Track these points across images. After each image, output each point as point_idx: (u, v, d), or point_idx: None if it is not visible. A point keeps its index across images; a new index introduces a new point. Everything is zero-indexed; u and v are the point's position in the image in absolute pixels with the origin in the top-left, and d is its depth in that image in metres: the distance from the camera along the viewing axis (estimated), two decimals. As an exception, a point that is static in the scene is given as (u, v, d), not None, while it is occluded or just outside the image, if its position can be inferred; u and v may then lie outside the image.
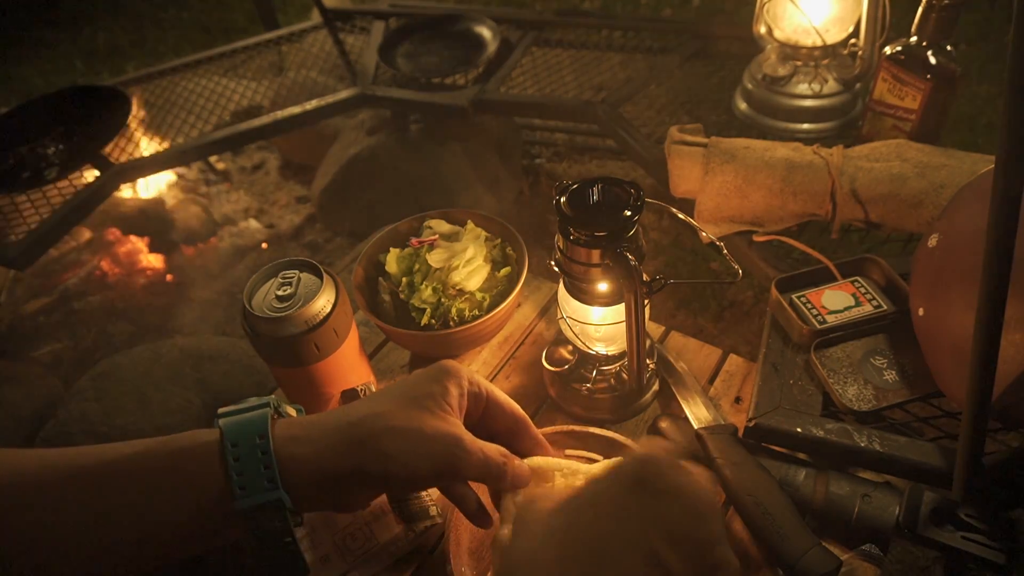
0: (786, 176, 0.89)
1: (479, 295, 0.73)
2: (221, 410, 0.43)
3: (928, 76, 0.89)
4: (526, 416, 0.52)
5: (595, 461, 0.64)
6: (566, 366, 0.70)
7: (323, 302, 0.61)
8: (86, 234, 1.80)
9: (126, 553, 0.40)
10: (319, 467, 0.41)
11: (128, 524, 0.39)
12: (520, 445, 0.52)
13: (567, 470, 0.52)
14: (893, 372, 0.66)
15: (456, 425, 0.46)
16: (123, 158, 1.40)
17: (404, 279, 0.75)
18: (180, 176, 2.06)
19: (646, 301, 0.58)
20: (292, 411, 0.47)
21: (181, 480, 0.40)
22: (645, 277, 0.55)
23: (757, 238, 0.91)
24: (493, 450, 0.47)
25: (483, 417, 0.51)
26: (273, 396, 0.45)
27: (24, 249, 1.23)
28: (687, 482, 0.37)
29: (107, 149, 1.38)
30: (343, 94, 1.51)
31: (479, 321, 0.70)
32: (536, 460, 0.52)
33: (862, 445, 0.59)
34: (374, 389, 0.64)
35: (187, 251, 1.87)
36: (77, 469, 0.39)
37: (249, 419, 0.42)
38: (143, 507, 0.39)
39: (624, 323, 0.59)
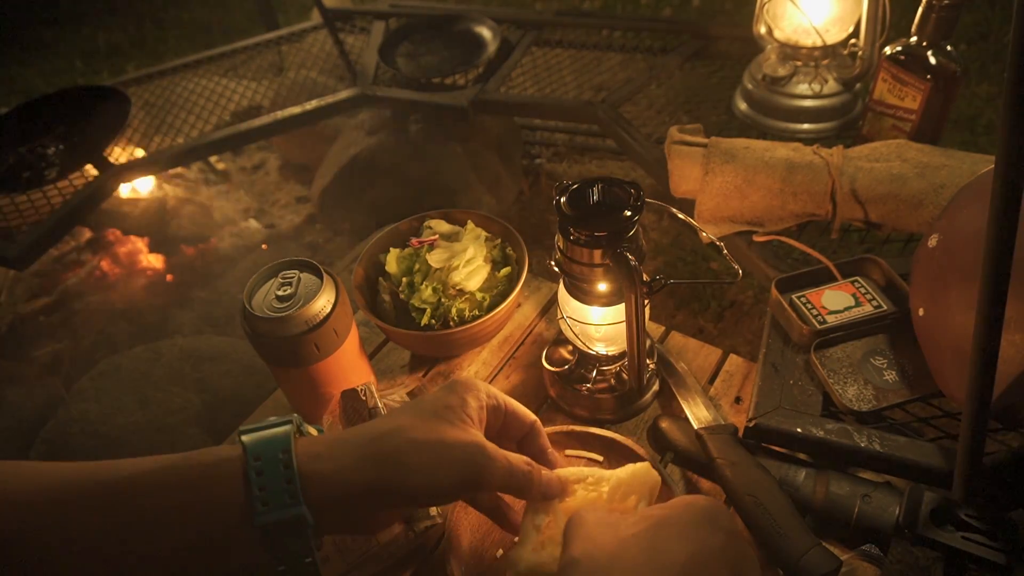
0: (786, 176, 0.89)
1: (479, 295, 0.73)
2: (242, 427, 0.42)
3: (928, 76, 0.89)
4: (537, 421, 0.52)
5: (596, 461, 0.64)
6: (566, 366, 0.70)
7: (323, 302, 0.61)
8: (86, 234, 1.80)
9: (143, 572, 0.39)
10: (342, 484, 0.41)
11: (146, 542, 0.38)
12: (527, 451, 0.52)
13: (591, 479, 0.52)
14: (893, 372, 0.66)
15: (477, 435, 0.45)
16: (123, 158, 1.40)
17: (404, 279, 0.75)
18: (180, 176, 2.06)
19: (646, 301, 0.58)
20: (313, 431, 0.47)
21: (201, 497, 0.39)
22: (645, 277, 0.55)
23: (757, 238, 0.91)
24: (517, 459, 0.47)
25: (502, 429, 0.51)
26: (295, 415, 0.44)
27: (24, 249, 1.23)
28: (743, 534, 0.43)
29: (107, 149, 1.38)
30: (343, 94, 1.51)
31: (479, 321, 0.70)
32: (560, 472, 0.52)
33: (862, 445, 0.59)
34: (374, 389, 0.64)
35: (187, 251, 1.87)
36: (95, 485, 0.39)
37: (272, 435, 0.41)
38: (162, 525, 0.39)
39: (624, 323, 0.59)
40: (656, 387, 0.71)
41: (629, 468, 0.53)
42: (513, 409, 0.51)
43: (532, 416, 0.52)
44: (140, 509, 0.38)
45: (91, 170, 1.36)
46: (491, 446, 0.45)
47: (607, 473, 0.52)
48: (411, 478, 0.42)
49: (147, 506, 0.39)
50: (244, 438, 0.41)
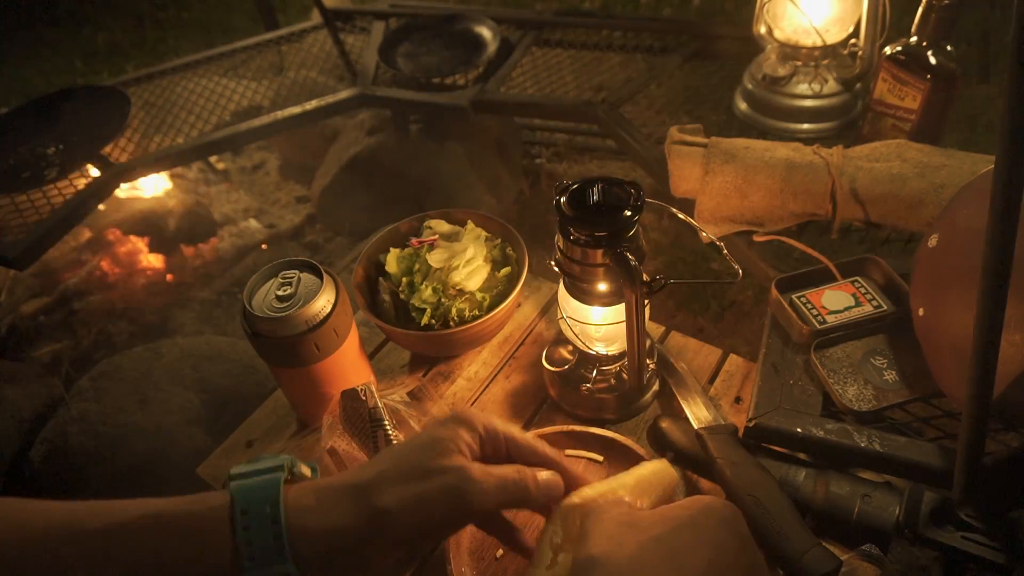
0: (786, 176, 0.89)
1: (479, 295, 0.73)
2: (233, 470, 0.42)
3: (928, 76, 0.89)
4: (556, 453, 0.49)
5: (596, 461, 0.64)
6: (566, 366, 0.70)
7: (323, 302, 0.61)
8: (86, 234, 1.80)
9: None
10: (329, 539, 0.40)
11: None
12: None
13: (608, 494, 0.50)
14: (893, 372, 0.66)
15: (459, 461, 0.43)
16: (123, 158, 1.40)
17: (404, 279, 0.75)
18: (180, 176, 2.06)
19: (646, 301, 0.58)
20: (307, 470, 0.45)
21: (188, 548, 0.39)
22: (645, 277, 0.55)
23: (757, 238, 0.91)
24: (507, 470, 0.45)
25: (510, 461, 0.48)
26: (288, 456, 0.43)
27: (24, 249, 1.23)
28: (752, 539, 0.43)
29: (107, 149, 1.38)
30: (343, 94, 1.51)
31: (479, 321, 0.70)
32: (584, 491, 0.49)
33: (862, 445, 0.59)
34: (374, 389, 0.64)
35: (187, 251, 1.86)
36: (81, 530, 0.38)
37: (260, 485, 0.40)
38: (148, 574, 0.38)
39: (624, 323, 0.59)
40: (656, 387, 0.71)
41: (649, 466, 0.52)
42: (518, 442, 0.48)
43: (549, 452, 0.49)
44: (127, 559, 0.38)
45: (91, 170, 1.36)
46: (476, 467, 0.43)
47: (627, 480, 0.50)
48: (397, 527, 0.41)
49: (132, 557, 0.38)
50: (233, 485, 0.40)
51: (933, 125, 0.93)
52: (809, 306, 0.70)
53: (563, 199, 0.57)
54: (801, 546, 0.51)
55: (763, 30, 1.12)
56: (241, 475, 0.41)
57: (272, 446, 0.72)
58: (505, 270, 0.75)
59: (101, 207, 1.37)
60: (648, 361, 0.69)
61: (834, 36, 1.05)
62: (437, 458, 0.43)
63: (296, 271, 0.63)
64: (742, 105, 1.16)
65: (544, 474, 0.47)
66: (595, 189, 0.58)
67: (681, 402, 0.67)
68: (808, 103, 1.09)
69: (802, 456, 0.61)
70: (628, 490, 0.50)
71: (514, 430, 0.48)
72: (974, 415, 0.46)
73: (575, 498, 0.48)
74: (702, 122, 1.07)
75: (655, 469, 0.52)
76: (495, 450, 0.47)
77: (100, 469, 1.16)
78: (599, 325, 0.64)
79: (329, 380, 0.65)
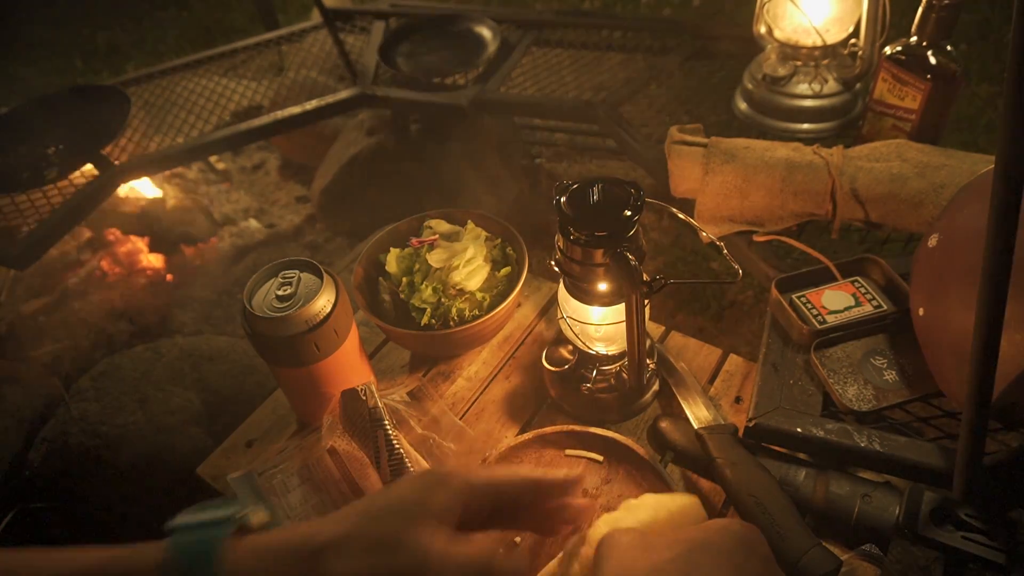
0: (786, 176, 0.89)
1: (479, 295, 0.73)
2: (178, 519, 0.39)
3: (928, 76, 0.89)
4: (539, 475, 0.46)
5: (596, 461, 0.64)
6: (566, 366, 0.70)
7: (323, 302, 0.61)
8: (86, 234, 1.80)
9: None
10: None
11: None
12: (552, 496, 0.47)
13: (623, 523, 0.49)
14: (893, 372, 0.66)
15: (425, 535, 0.39)
16: (123, 158, 1.40)
17: (404, 279, 0.75)
18: (180, 176, 2.06)
19: (646, 301, 0.58)
20: (262, 515, 0.41)
21: None
22: (645, 277, 0.56)
23: (757, 238, 0.91)
24: (473, 548, 0.40)
25: (497, 507, 0.45)
26: (239, 504, 0.40)
27: (24, 249, 1.23)
28: (774, 560, 0.43)
29: (107, 149, 1.38)
30: (343, 94, 1.51)
31: (479, 321, 0.70)
32: (607, 517, 0.48)
33: (862, 445, 0.59)
34: (374, 389, 0.64)
35: (187, 251, 1.86)
36: None
37: (200, 543, 0.38)
38: None
39: (624, 323, 0.59)
40: (656, 387, 0.71)
41: (679, 500, 0.51)
42: (499, 483, 0.44)
43: (531, 477, 0.46)
44: None
45: (91, 170, 1.35)
46: (438, 545, 0.39)
47: (658, 516, 0.49)
48: None
49: None
50: (172, 541, 0.38)
51: (933, 125, 0.93)
52: (809, 306, 0.71)
53: (563, 199, 0.57)
54: (801, 546, 0.51)
55: (763, 30, 1.12)
56: (183, 528, 0.39)
57: (272, 446, 0.72)
58: (505, 270, 0.75)
59: (101, 207, 1.37)
60: (648, 361, 0.69)
61: (834, 36, 1.05)
62: (401, 528, 0.39)
63: (296, 271, 0.63)
64: (742, 105, 1.16)
65: (510, 559, 0.43)
66: (595, 189, 0.58)
67: (681, 402, 0.67)
68: (808, 103, 1.09)
69: (802, 456, 0.61)
70: (652, 523, 0.49)
71: (497, 472, 0.45)
72: (974, 415, 0.46)
73: (594, 531, 0.47)
74: (702, 122, 1.07)
75: (683, 505, 0.51)
76: (480, 505, 0.43)
77: (100, 469, 1.16)
78: (599, 325, 0.64)
79: (329, 380, 0.65)
